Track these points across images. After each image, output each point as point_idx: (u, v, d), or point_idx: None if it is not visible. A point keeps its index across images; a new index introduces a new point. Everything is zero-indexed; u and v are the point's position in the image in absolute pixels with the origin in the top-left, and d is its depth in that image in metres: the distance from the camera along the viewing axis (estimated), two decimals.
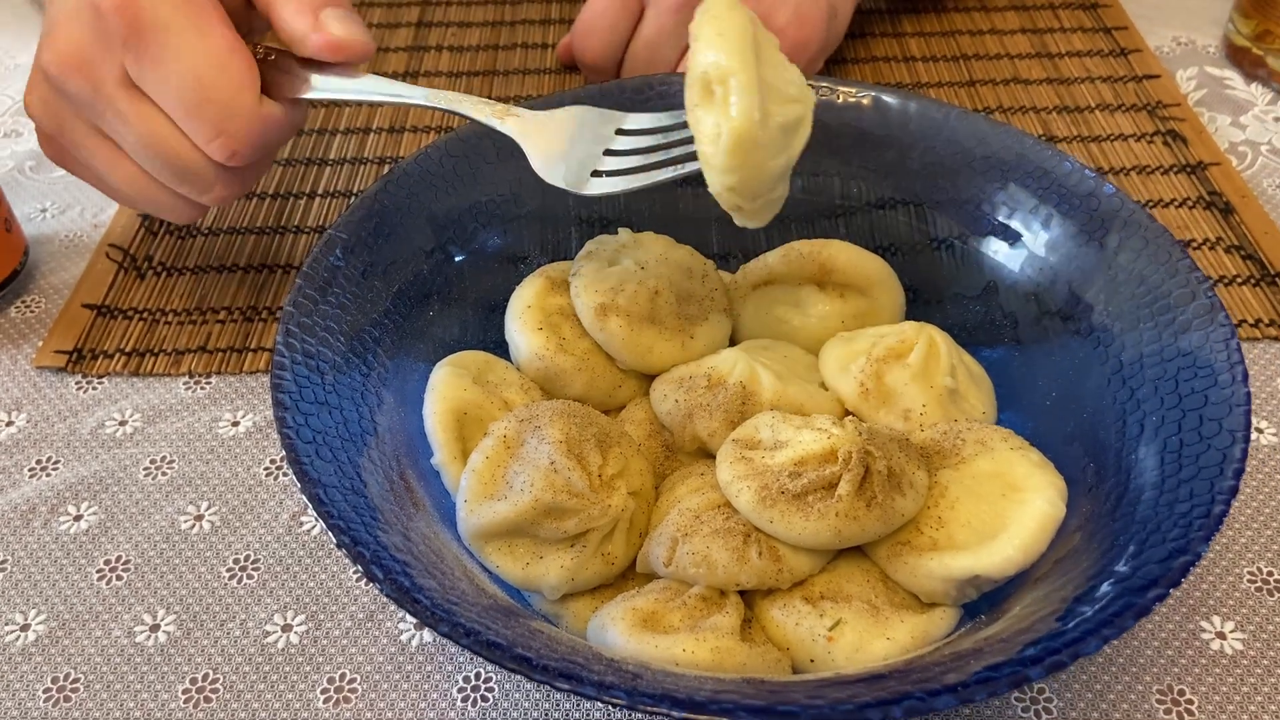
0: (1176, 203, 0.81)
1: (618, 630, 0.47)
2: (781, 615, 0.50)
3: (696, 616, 0.48)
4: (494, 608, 0.43)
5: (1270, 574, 0.58)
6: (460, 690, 0.54)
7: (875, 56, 0.96)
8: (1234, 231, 0.78)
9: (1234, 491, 0.43)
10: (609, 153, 0.56)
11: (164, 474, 0.64)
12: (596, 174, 0.55)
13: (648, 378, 0.61)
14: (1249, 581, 0.58)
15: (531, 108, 0.58)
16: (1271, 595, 0.57)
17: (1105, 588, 0.41)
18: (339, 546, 0.41)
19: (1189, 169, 0.83)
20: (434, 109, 0.57)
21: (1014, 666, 0.37)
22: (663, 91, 0.67)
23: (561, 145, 0.56)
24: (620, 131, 0.56)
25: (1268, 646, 0.55)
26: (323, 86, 0.58)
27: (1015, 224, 0.61)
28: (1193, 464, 0.45)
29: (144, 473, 0.64)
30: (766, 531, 0.50)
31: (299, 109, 0.60)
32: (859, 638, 0.48)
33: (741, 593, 0.51)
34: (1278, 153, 0.86)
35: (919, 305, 0.64)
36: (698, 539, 0.50)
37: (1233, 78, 0.94)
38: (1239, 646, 0.55)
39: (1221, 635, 0.55)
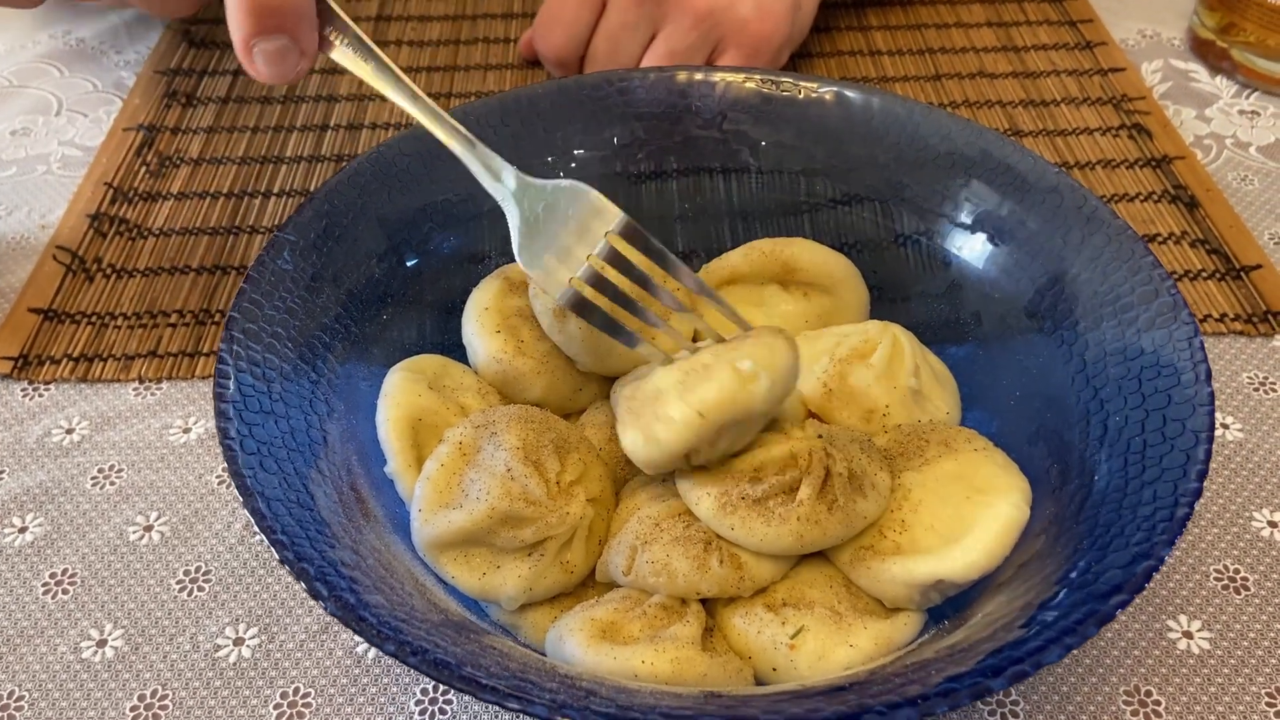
0: (1141, 197, 0.80)
1: (576, 641, 0.46)
2: (743, 623, 0.49)
3: (656, 626, 0.47)
4: (445, 623, 0.42)
5: (1237, 571, 0.57)
6: (418, 703, 0.52)
7: (840, 50, 0.95)
8: (1199, 226, 0.78)
9: (1197, 494, 0.42)
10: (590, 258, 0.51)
11: (112, 483, 0.62)
12: (574, 281, 0.52)
13: (609, 380, 0.59)
14: (1215, 580, 0.57)
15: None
16: (1238, 594, 0.57)
17: (1068, 594, 0.40)
18: (282, 563, 0.40)
19: (1154, 163, 0.83)
20: (430, 127, 0.53)
21: (975, 677, 0.36)
22: (623, 88, 0.65)
23: (547, 230, 0.52)
24: (610, 234, 0.51)
25: (1234, 645, 0.54)
26: (339, 51, 0.53)
27: (979, 220, 0.60)
28: (1156, 465, 0.44)
29: (91, 482, 0.62)
30: (727, 538, 0.49)
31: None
32: (822, 645, 0.47)
33: (703, 601, 0.50)
34: (1242, 146, 0.86)
35: (883, 304, 0.64)
36: (657, 547, 0.49)
37: (1198, 71, 0.94)
38: (1206, 645, 0.54)
39: (1188, 634, 0.55)
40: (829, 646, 0.47)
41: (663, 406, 0.47)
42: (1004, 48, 0.96)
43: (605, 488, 0.53)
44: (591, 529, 0.52)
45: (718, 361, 0.48)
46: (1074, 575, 0.41)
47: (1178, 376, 0.47)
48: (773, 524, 0.48)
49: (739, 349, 0.48)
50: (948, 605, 0.49)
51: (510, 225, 0.53)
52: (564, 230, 0.52)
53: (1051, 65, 0.94)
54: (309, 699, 0.53)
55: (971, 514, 0.49)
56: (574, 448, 0.53)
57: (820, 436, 0.49)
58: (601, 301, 0.52)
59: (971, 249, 0.61)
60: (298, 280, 0.54)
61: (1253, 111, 0.89)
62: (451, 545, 0.50)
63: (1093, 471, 0.47)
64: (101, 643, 0.55)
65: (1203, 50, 0.94)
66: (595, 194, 0.52)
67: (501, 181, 0.53)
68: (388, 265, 0.59)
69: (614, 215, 0.52)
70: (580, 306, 0.52)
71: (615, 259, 0.51)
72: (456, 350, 0.60)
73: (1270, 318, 0.71)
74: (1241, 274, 0.74)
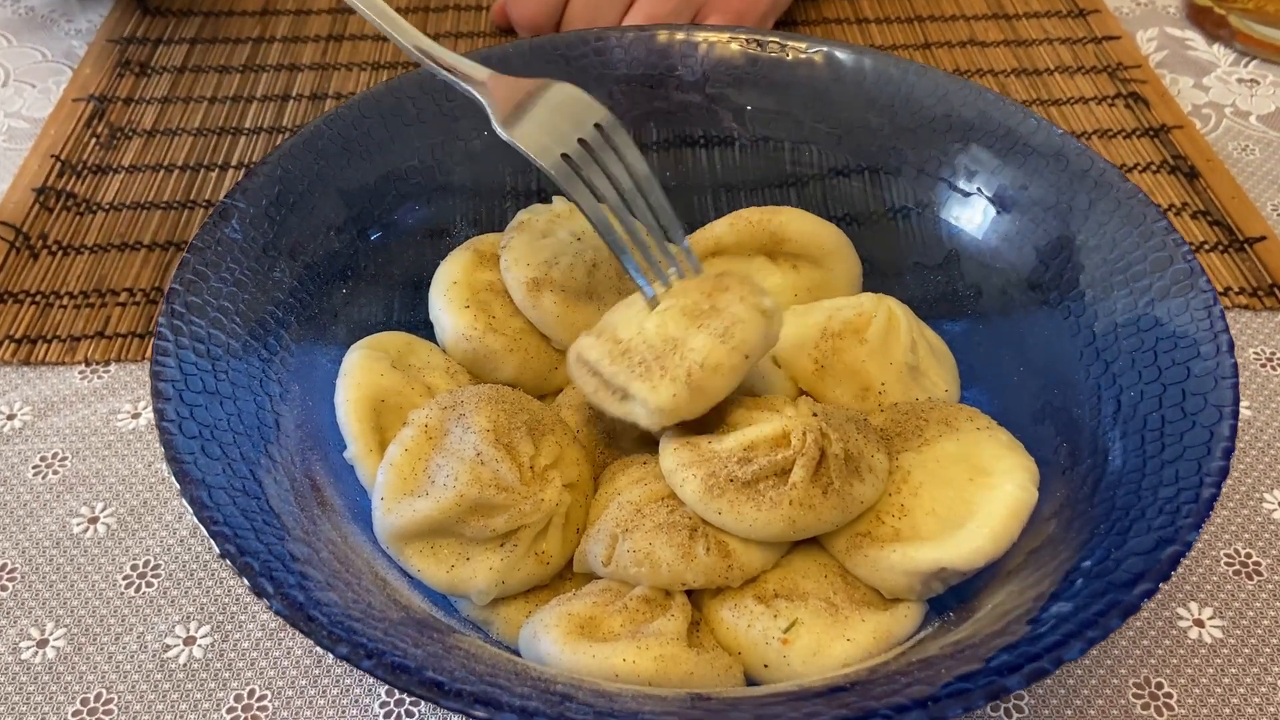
0: (1140, 167, 0.77)
1: (551, 639, 0.43)
2: (732, 617, 0.45)
3: (639, 621, 0.44)
4: (406, 621, 0.38)
5: (1249, 556, 0.55)
6: (382, 705, 0.49)
7: (827, 18, 0.92)
8: (1200, 197, 0.75)
9: (1224, 473, 0.39)
10: (581, 143, 0.50)
11: (55, 472, 0.58)
12: (566, 158, 0.50)
13: None
14: (1226, 564, 0.54)
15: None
16: (1250, 579, 0.54)
17: (1085, 583, 0.37)
18: (222, 556, 0.36)
19: (1152, 132, 0.80)
20: (408, 52, 0.52)
21: (989, 676, 0.33)
22: (600, 48, 0.62)
23: (531, 113, 0.51)
24: (598, 127, 0.51)
25: (1248, 634, 0.52)
26: None
27: (978, 188, 0.57)
28: (1176, 443, 0.41)
29: (33, 471, 0.58)
30: (714, 524, 0.46)
31: None
32: (817, 640, 0.44)
33: (688, 592, 0.46)
34: (1242, 115, 0.83)
35: (875, 277, 0.60)
36: (639, 535, 0.46)
37: (1194, 39, 0.91)
38: (1218, 635, 0.52)
39: (1199, 623, 0.52)
40: (824, 641, 0.44)
41: (702, 354, 0.45)
42: (995, 15, 0.92)
43: (583, 472, 0.50)
44: (568, 517, 0.48)
45: (728, 303, 0.46)
46: (1091, 563, 0.38)
47: (1197, 348, 0.44)
48: (763, 508, 0.45)
49: (733, 289, 0.47)
50: (950, 595, 0.46)
51: (487, 109, 0.51)
52: (551, 115, 0.51)
53: (1044, 33, 0.90)
54: (265, 702, 0.49)
55: (975, 497, 0.46)
56: (549, 430, 0.49)
57: (815, 415, 0.46)
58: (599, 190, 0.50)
59: (970, 217, 0.57)
60: (247, 251, 0.50)
61: (1252, 80, 0.86)
62: (417, 536, 0.46)
63: (1106, 451, 0.44)
64: (42, 643, 0.51)
65: (1199, 17, 0.91)
66: (581, 91, 0.52)
67: (472, 74, 0.52)
68: (348, 236, 0.55)
69: (602, 111, 0.51)
70: (569, 179, 0.49)
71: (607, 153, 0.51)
72: (424, 329, 0.56)
73: (1276, 290, 0.68)
74: (1245, 246, 0.71)
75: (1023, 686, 0.33)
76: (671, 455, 0.47)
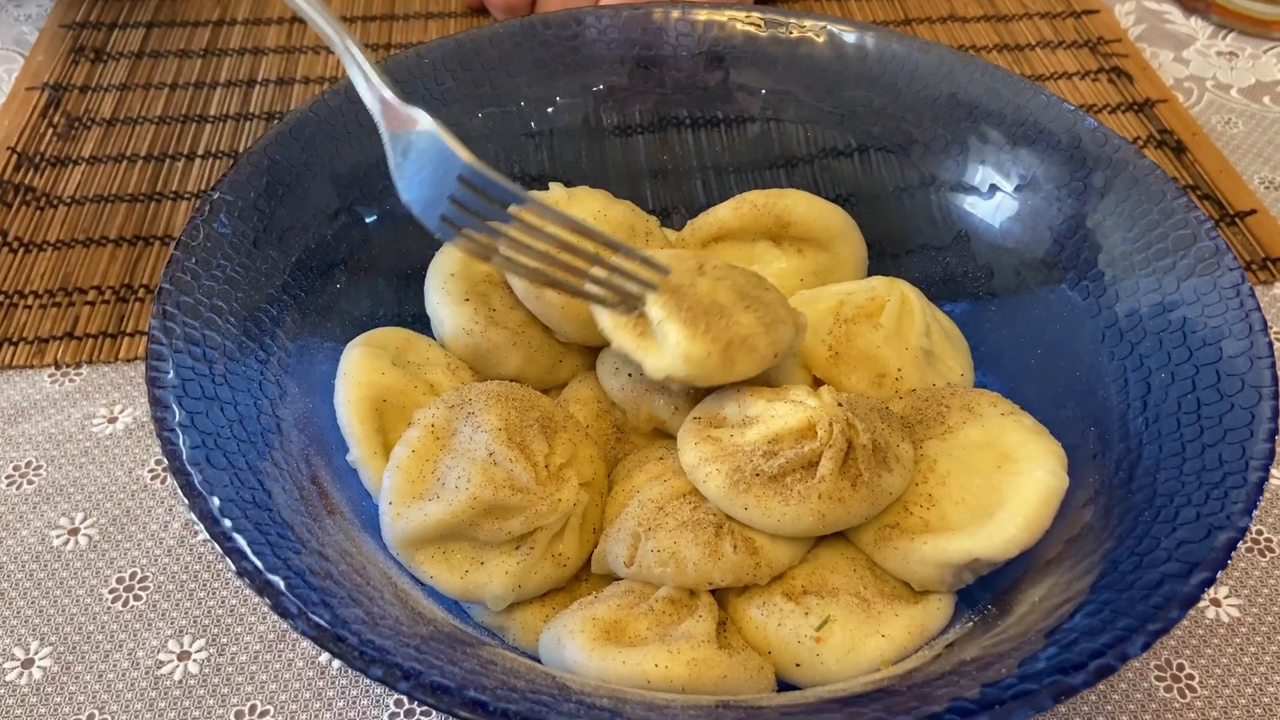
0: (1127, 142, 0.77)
1: (577, 645, 0.41)
2: (761, 615, 0.44)
3: (666, 623, 0.42)
4: (435, 636, 0.36)
5: (1260, 533, 0.54)
6: (392, 716, 0.47)
7: None
8: (1188, 171, 0.74)
9: (1271, 455, 0.38)
10: (453, 200, 0.46)
11: (30, 482, 0.55)
12: (445, 220, 0.46)
13: (591, 350, 0.54)
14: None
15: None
16: (1264, 556, 0.53)
17: (1136, 573, 0.36)
18: (240, 575, 0.34)
19: (1136, 107, 0.80)
20: (327, 38, 0.47)
21: (1053, 675, 0.32)
22: (592, 25, 0.59)
23: (421, 165, 0.46)
24: (462, 180, 0.45)
25: (1265, 611, 0.51)
26: None
27: (988, 167, 0.56)
28: (1216, 426, 0.40)
29: (6, 481, 0.55)
30: (740, 520, 0.44)
31: None
32: (850, 637, 0.42)
33: (713, 591, 0.45)
34: (1223, 88, 0.83)
35: (881, 259, 0.59)
36: (663, 534, 0.44)
37: (1171, 11, 0.91)
38: (1235, 613, 0.51)
39: (1216, 602, 0.52)
40: (859, 638, 0.42)
41: (747, 331, 0.45)
42: None
43: (598, 470, 0.48)
44: (585, 516, 0.46)
45: (772, 301, 0.47)
46: (1139, 552, 0.37)
47: (1228, 328, 0.43)
48: (791, 503, 0.43)
49: (773, 292, 0.48)
50: (979, 586, 0.45)
51: (391, 169, 0.47)
52: (427, 167, 0.46)
53: (1023, 8, 0.90)
54: (267, 717, 0.47)
55: (1004, 484, 0.45)
56: (561, 427, 0.47)
57: (840, 405, 0.44)
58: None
59: (980, 197, 0.56)
60: (238, 246, 0.47)
61: (1230, 53, 0.86)
62: (428, 541, 0.44)
63: (1139, 435, 0.43)
64: (27, 663, 0.49)
65: None
66: (437, 138, 0.46)
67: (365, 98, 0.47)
68: (340, 226, 0.53)
69: (458, 161, 0.45)
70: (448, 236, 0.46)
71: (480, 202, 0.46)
72: (419, 322, 0.54)
73: (1270, 264, 0.68)
74: (1236, 220, 0.71)
75: (1090, 685, 0.32)
76: (693, 450, 0.45)
